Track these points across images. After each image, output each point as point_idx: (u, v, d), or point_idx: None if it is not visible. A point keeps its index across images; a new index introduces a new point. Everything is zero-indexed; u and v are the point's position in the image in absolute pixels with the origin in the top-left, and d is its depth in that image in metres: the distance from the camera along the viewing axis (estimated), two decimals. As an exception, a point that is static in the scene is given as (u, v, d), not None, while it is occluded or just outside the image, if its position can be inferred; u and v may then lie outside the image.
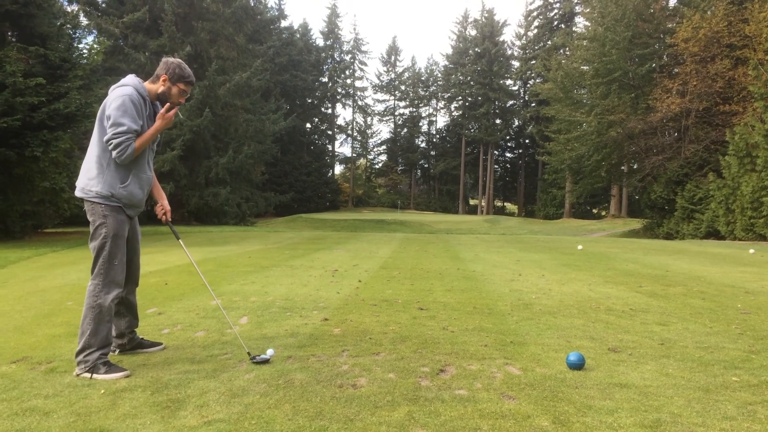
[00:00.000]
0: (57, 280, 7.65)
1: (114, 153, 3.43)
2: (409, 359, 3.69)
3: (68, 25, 17.91)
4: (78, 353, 3.38)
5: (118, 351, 3.80)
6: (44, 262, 10.47)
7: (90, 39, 24.38)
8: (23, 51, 15.38)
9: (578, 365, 3.54)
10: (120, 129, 3.41)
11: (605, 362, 3.72)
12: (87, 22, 27.36)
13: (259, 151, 34.64)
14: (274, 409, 2.79)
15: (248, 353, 3.68)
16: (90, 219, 3.53)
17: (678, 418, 2.76)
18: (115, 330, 3.73)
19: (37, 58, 15.63)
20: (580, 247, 14.18)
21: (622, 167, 36.58)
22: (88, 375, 3.32)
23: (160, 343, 3.95)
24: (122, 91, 3.50)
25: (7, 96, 13.97)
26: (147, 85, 3.65)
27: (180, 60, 3.74)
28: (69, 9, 25.65)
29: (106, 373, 3.34)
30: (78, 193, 3.56)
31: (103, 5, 29.84)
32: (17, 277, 8.41)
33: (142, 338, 3.94)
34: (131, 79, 3.63)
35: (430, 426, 2.61)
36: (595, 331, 4.66)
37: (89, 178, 3.49)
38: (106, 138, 3.43)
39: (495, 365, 3.60)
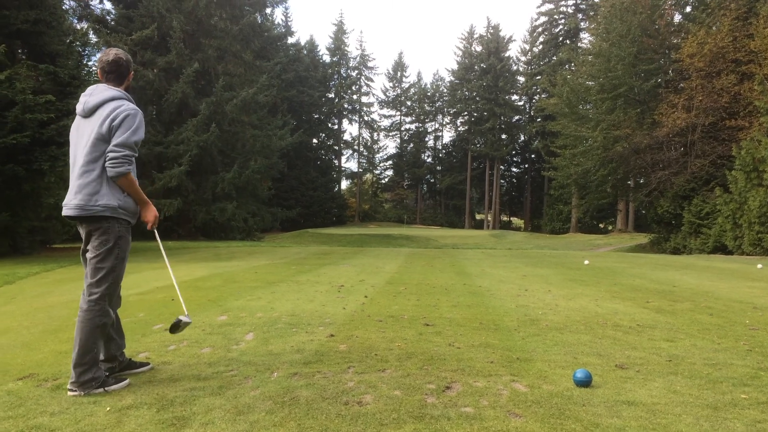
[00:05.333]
0: (64, 296, 7.67)
1: (114, 169, 3.38)
2: (415, 376, 3.67)
3: (77, 43, 18.12)
4: (84, 372, 3.37)
5: (108, 374, 3.65)
6: (52, 277, 10.52)
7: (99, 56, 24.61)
8: (33, 68, 15.56)
9: (585, 382, 3.52)
10: (130, 152, 3.44)
11: (612, 379, 3.70)
12: (96, 40, 27.65)
13: (266, 166, 34.73)
14: (279, 426, 2.79)
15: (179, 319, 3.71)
16: (100, 238, 3.45)
17: (686, 436, 2.74)
18: (104, 354, 3.63)
19: (47, 75, 15.80)
20: (586, 261, 14.12)
21: (629, 182, 36.50)
22: (99, 390, 3.34)
23: (147, 363, 3.88)
24: (137, 110, 3.49)
25: (17, 113, 14.11)
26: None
27: (105, 53, 3.64)
28: (78, 27, 26.01)
29: (116, 383, 3.45)
30: (75, 212, 3.42)
31: (112, 23, 30.14)
32: (25, 292, 8.45)
33: (130, 359, 3.86)
34: (125, 93, 3.58)
35: (436, 444, 2.60)
36: (602, 347, 4.63)
37: (90, 194, 3.40)
38: (109, 148, 3.39)
39: (501, 382, 3.58)
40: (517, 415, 3.00)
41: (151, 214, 3.70)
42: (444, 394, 3.32)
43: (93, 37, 27.15)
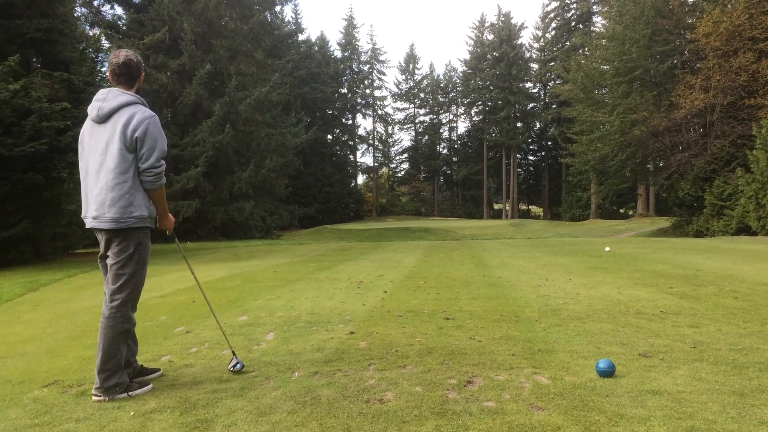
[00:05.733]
0: (87, 302, 7.76)
1: (152, 182, 3.45)
2: (436, 371, 3.66)
3: (90, 49, 18.27)
4: (108, 378, 3.39)
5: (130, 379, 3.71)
6: (74, 283, 10.64)
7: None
8: (48, 77, 15.72)
9: (608, 372, 3.48)
10: (162, 163, 3.50)
11: (636, 368, 3.66)
12: (109, 45, 27.87)
13: (282, 164, 34.83)
14: (301, 427, 2.79)
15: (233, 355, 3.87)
16: (121, 245, 3.45)
17: (713, 424, 2.70)
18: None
19: (62, 83, 15.94)
20: (607, 248, 13.99)
21: (648, 166, 36.08)
22: (123, 395, 3.37)
23: (158, 369, 3.87)
24: (153, 116, 3.50)
25: (34, 121, 14.28)
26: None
27: (115, 55, 3.63)
28: (91, 33, 26.23)
29: (139, 387, 3.47)
30: (110, 225, 3.40)
31: (124, 28, 30.34)
32: (49, 299, 8.55)
33: (142, 365, 3.83)
34: (138, 97, 3.57)
35: (458, 440, 2.58)
36: (625, 335, 4.58)
37: (125, 207, 3.38)
38: (149, 165, 3.42)
39: (523, 375, 3.55)
40: (539, 408, 2.97)
41: (170, 221, 3.75)
42: (465, 389, 3.30)
43: (105, 43, 27.38)
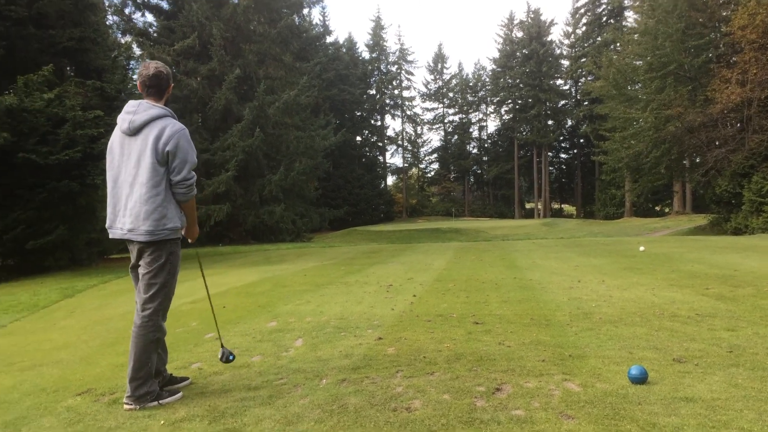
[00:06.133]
0: (121, 308, 7.88)
1: (184, 194, 3.51)
2: (464, 378, 3.62)
3: (122, 57, 18.61)
4: (139, 386, 3.43)
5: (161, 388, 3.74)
6: (109, 289, 10.83)
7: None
8: (81, 85, 16.05)
9: (641, 379, 3.40)
10: (194, 175, 3.55)
11: (670, 374, 3.57)
12: (140, 53, 28.36)
13: (311, 166, 35.01)
14: (328, 436, 2.78)
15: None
16: (153, 255, 3.50)
17: (750, 435, 2.62)
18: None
19: (94, 91, 16.26)
20: (642, 248, 13.74)
21: (684, 162, 35.35)
22: (154, 403, 3.41)
23: (187, 378, 3.91)
24: (183, 129, 3.54)
25: (68, 130, 14.59)
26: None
27: (145, 67, 3.66)
28: (122, 41, 26.68)
29: (169, 396, 3.51)
30: (146, 238, 3.45)
31: (155, 35, 30.86)
32: (84, 306, 8.71)
33: (171, 374, 3.87)
34: (168, 110, 3.60)
35: (486, 451, 2.54)
36: (659, 340, 4.48)
37: (159, 219, 3.43)
38: (182, 177, 3.47)
39: (553, 382, 3.49)
40: (569, 416, 2.91)
41: (196, 232, 3.81)
42: (494, 397, 3.26)
43: (137, 50, 27.85)
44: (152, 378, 3.51)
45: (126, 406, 3.41)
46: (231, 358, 3.90)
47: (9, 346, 5.85)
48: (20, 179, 14.77)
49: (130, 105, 3.58)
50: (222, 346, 4.00)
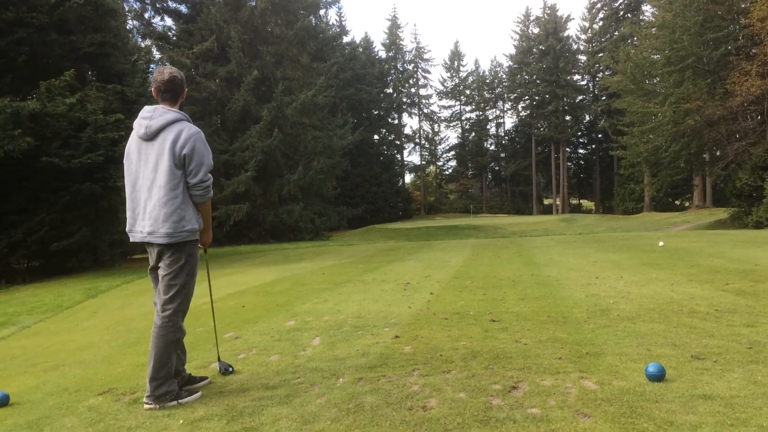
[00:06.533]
0: (143, 308, 7.99)
1: (201, 196, 3.57)
2: (480, 376, 3.63)
3: (142, 61, 18.81)
4: (159, 386, 3.49)
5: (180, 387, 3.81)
6: (131, 289, 10.98)
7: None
8: (102, 89, 16.25)
9: (658, 376, 3.38)
10: (210, 177, 3.59)
11: (688, 371, 3.55)
12: (160, 56, 28.65)
13: (329, 166, 35.13)
14: (345, 435, 2.81)
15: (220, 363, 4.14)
16: (173, 257, 3.55)
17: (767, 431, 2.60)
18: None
19: (115, 94, 16.46)
20: (661, 243, 13.62)
21: (703, 156, 34.93)
22: (173, 403, 3.47)
23: (206, 377, 3.96)
24: (199, 132, 3.59)
25: (90, 133, 14.80)
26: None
27: (160, 72, 3.71)
28: (142, 45, 26.98)
29: (189, 395, 3.56)
30: (165, 240, 3.50)
31: (174, 38, 31.14)
32: (107, 306, 8.85)
33: (190, 374, 3.93)
34: (183, 114, 3.65)
35: (501, 449, 2.56)
36: (678, 336, 4.45)
37: (177, 221, 3.49)
38: (198, 179, 3.52)
39: (570, 380, 3.49)
40: (585, 415, 2.91)
41: (209, 237, 3.89)
42: (510, 395, 3.27)
43: (156, 54, 28.13)
44: (172, 378, 3.57)
45: (146, 406, 3.47)
46: (230, 369, 4.08)
47: (33, 347, 5.97)
48: (44, 183, 15.03)
49: (146, 111, 3.63)
50: (219, 359, 4.18)
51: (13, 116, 13.44)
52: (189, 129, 3.55)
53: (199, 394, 3.62)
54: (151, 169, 3.53)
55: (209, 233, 3.85)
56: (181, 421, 3.18)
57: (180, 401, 3.49)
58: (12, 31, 14.77)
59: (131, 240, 3.67)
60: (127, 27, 24.50)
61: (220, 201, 27.00)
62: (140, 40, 29.89)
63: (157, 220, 3.50)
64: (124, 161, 3.69)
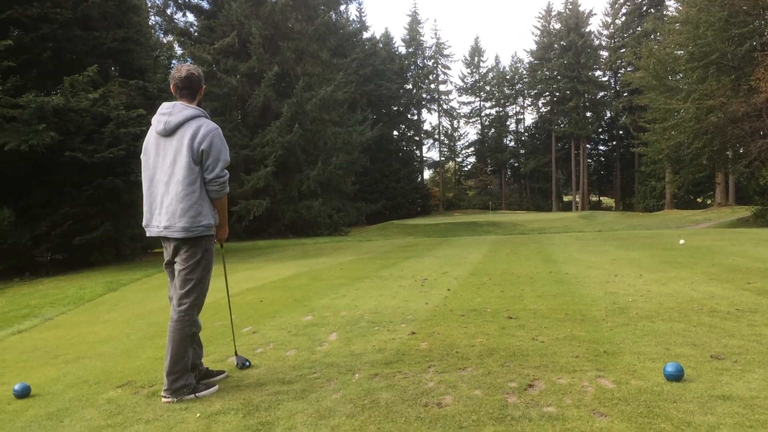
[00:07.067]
0: (162, 301, 8.06)
1: (217, 191, 3.59)
2: (496, 374, 3.62)
3: (164, 56, 18.97)
4: (176, 380, 3.53)
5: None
6: (152, 283, 11.09)
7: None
8: (124, 84, 16.44)
9: (677, 376, 3.35)
10: (226, 173, 3.62)
11: (707, 371, 3.51)
12: (182, 52, 28.88)
13: (348, 161, 35.23)
14: (359, 431, 2.82)
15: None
16: (189, 251, 3.58)
17: (787, 434, 2.57)
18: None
19: (137, 90, 16.64)
20: (682, 241, 13.46)
21: (726, 153, 34.43)
22: (191, 396, 3.50)
23: (223, 371, 3.99)
24: (217, 128, 3.62)
25: (112, 128, 14.97)
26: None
27: (178, 69, 3.76)
28: (164, 41, 27.21)
29: (205, 389, 3.60)
30: (182, 235, 3.53)
31: (196, 34, 31.38)
32: (127, 299, 8.95)
33: (207, 368, 3.95)
34: (202, 110, 3.68)
35: (515, 447, 2.55)
36: (697, 336, 4.40)
37: (194, 216, 3.52)
38: (215, 175, 3.55)
39: (586, 378, 3.47)
40: (602, 414, 2.89)
41: (226, 231, 3.92)
42: (526, 393, 3.26)
43: (178, 50, 28.35)
44: (189, 371, 3.60)
45: (164, 399, 3.51)
46: (247, 364, 4.11)
47: (55, 339, 6.07)
48: (67, 177, 15.23)
49: (165, 107, 3.66)
50: (236, 354, 4.21)
51: (38, 111, 13.63)
52: (207, 125, 3.58)
53: (216, 387, 3.66)
54: (169, 164, 3.57)
55: (225, 228, 3.88)
56: (198, 415, 3.21)
57: (197, 395, 3.53)
58: (36, 27, 14.97)
59: (147, 234, 3.71)
60: (150, 23, 24.69)
61: (240, 196, 27.17)
62: (162, 35, 30.20)
63: (174, 215, 3.52)
64: (142, 157, 3.73)
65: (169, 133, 3.58)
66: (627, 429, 2.69)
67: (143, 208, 3.71)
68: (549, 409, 2.99)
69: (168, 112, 3.61)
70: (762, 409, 2.86)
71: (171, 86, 3.75)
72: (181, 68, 3.72)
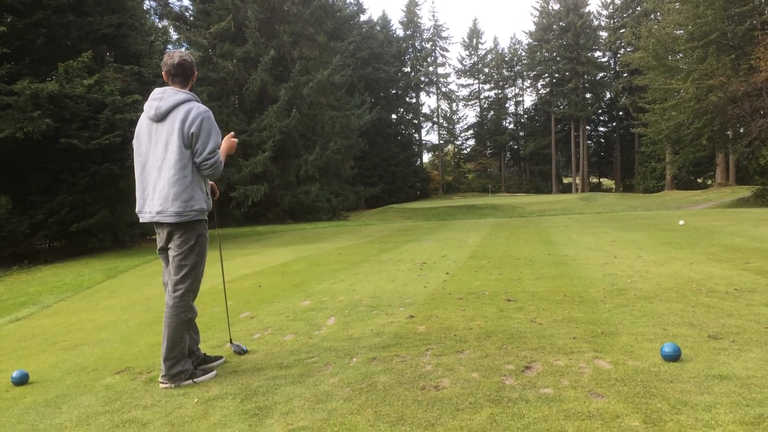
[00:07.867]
0: (160, 288, 8.01)
1: (210, 173, 3.58)
2: (493, 356, 3.62)
3: (159, 41, 18.85)
4: (173, 366, 3.52)
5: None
6: (149, 269, 11.09)
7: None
8: (119, 70, 16.34)
9: (674, 356, 3.35)
10: (218, 153, 3.60)
11: (704, 351, 3.51)
12: (177, 36, 28.68)
13: (346, 146, 35.09)
14: (357, 414, 2.82)
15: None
16: (183, 237, 3.57)
17: (784, 413, 2.57)
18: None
19: (133, 75, 16.54)
20: (681, 222, 13.46)
21: (727, 133, 34.32)
22: (189, 381, 3.50)
23: (221, 357, 3.99)
24: (207, 111, 3.59)
25: (108, 114, 14.89)
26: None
27: (170, 56, 3.72)
28: (159, 25, 27.01)
29: (203, 374, 3.61)
30: (174, 219, 3.51)
31: (191, 18, 31.13)
32: (125, 286, 8.96)
33: (205, 353, 3.95)
34: (193, 94, 3.66)
35: (512, 429, 2.55)
36: (695, 316, 4.40)
37: (186, 201, 3.50)
38: (202, 158, 3.52)
39: (584, 359, 3.47)
40: (598, 395, 2.89)
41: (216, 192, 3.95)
42: (523, 375, 3.26)
43: (173, 35, 28.15)
44: (185, 357, 3.60)
45: (161, 385, 3.51)
46: (245, 349, 4.12)
47: (53, 326, 6.07)
48: (63, 164, 15.18)
49: (156, 92, 3.64)
50: (231, 342, 4.21)
51: (32, 98, 13.56)
52: (197, 108, 3.56)
53: (213, 373, 3.66)
54: (161, 149, 3.55)
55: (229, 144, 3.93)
56: (195, 400, 3.22)
57: (195, 380, 3.53)
58: (30, 12, 14.85)
59: (141, 220, 3.70)
60: (144, 7, 24.48)
61: (238, 181, 27.12)
62: (157, 20, 29.90)
63: (167, 200, 3.51)
64: (134, 143, 3.71)
65: (161, 118, 3.55)
66: (623, 409, 2.69)
67: (136, 194, 3.69)
68: (546, 391, 2.98)
69: (159, 98, 3.59)
70: (758, 388, 2.86)
71: (163, 72, 3.71)
72: (173, 54, 3.68)
